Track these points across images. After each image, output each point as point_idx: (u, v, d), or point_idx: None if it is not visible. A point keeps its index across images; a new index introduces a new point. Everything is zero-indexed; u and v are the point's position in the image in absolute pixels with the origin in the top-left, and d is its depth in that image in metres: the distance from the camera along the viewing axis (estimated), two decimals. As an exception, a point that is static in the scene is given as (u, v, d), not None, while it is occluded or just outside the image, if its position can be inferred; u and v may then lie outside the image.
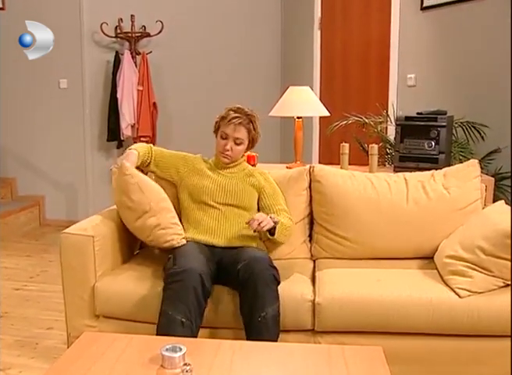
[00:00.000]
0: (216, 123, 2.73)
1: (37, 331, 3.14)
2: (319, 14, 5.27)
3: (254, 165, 3.37)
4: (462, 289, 2.27)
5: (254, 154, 3.39)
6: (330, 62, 5.19)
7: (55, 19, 5.21)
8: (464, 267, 2.32)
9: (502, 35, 3.60)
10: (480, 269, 2.29)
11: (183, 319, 2.14)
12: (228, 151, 2.66)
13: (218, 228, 2.59)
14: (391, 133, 4.15)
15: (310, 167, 2.88)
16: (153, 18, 5.25)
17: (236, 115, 2.65)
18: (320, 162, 4.68)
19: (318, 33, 5.29)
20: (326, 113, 3.44)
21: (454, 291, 2.28)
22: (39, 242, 5.02)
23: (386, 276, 2.47)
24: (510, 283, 2.29)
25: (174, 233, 2.50)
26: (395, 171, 3.20)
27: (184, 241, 2.51)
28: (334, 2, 5.15)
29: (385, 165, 3.73)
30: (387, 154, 3.76)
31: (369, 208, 2.72)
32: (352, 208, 2.73)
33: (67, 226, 2.61)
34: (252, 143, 2.74)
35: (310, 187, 2.85)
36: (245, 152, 2.79)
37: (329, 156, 4.53)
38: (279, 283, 2.32)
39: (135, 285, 2.41)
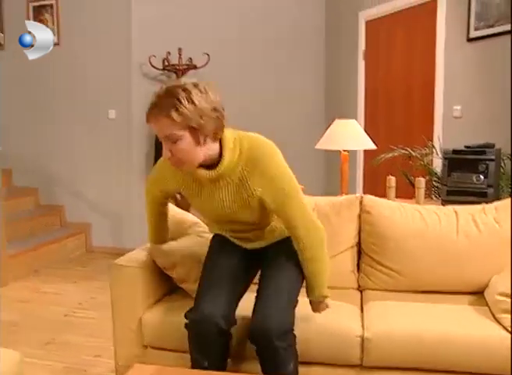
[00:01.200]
0: None
1: (85, 358, 3.17)
2: (363, 46, 5.32)
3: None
4: (515, 328, 2.22)
5: (301, 186, 3.40)
6: (374, 93, 5.22)
7: (105, 51, 5.43)
8: (516, 305, 2.27)
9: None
10: (534, 308, 2.23)
11: (206, 364, 2.10)
12: (170, 158, 1.95)
13: (242, 240, 2.31)
14: (437, 165, 4.12)
15: (360, 197, 2.88)
16: (199, 50, 5.38)
17: (153, 103, 1.89)
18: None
19: (363, 63, 5.33)
20: (373, 147, 3.45)
21: (507, 330, 2.23)
22: (86, 269, 5.12)
23: (436, 312, 2.43)
24: None
25: None
26: (443, 205, 3.17)
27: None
28: (378, 33, 5.19)
29: (432, 198, 3.69)
30: (434, 187, 3.73)
31: (418, 240, 2.69)
32: (400, 240, 2.71)
33: (113, 254, 2.66)
34: (198, 129, 1.90)
35: (359, 216, 2.84)
36: (200, 143, 1.93)
37: (373, 188, 4.51)
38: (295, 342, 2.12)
39: (182, 316, 2.42)
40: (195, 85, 1.90)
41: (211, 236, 2.49)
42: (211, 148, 1.98)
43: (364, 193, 4.87)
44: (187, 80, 1.93)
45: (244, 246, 2.33)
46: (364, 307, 2.55)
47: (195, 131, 1.89)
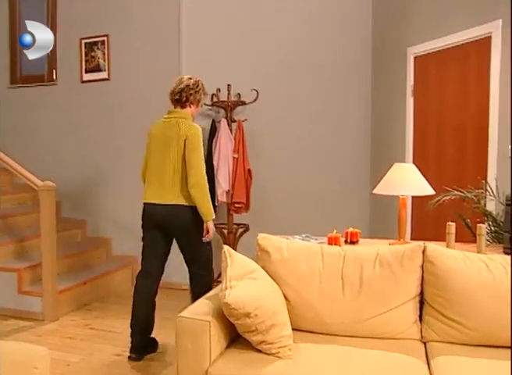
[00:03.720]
0: (200, 96, 3.72)
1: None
2: (412, 81, 5.28)
3: (357, 241, 3.37)
4: None
5: (357, 230, 3.38)
6: (424, 131, 5.13)
7: (156, 87, 5.52)
8: None
9: None
10: None
11: None
12: None
13: None
14: (492, 208, 4.03)
15: (423, 246, 2.83)
16: (248, 86, 5.43)
17: None
18: (412, 239, 4.56)
19: (411, 100, 5.28)
20: (432, 192, 3.39)
21: None
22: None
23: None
24: None
25: (280, 347, 2.48)
26: (505, 252, 3.10)
27: (291, 353, 2.48)
28: (428, 70, 5.14)
29: (488, 242, 3.59)
30: (491, 232, 3.63)
31: (485, 292, 2.63)
32: (467, 292, 2.66)
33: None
34: None
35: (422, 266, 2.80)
36: None
37: (422, 232, 4.38)
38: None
39: (248, 369, 2.39)
40: None
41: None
42: None
43: (413, 237, 4.80)
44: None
45: None
46: (432, 362, 2.50)
47: None
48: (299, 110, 5.76)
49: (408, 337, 2.75)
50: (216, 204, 5.30)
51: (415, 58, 5.29)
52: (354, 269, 2.82)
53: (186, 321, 2.49)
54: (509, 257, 2.79)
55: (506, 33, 4.27)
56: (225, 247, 2.72)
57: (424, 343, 2.75)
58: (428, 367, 2.47)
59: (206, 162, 5.33)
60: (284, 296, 2.80)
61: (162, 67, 5.55)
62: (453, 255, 2.79)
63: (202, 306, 2.61)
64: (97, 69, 5.77)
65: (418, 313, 2.81)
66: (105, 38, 5.77)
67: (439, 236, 3.47)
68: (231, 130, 5.37)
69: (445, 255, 2.77)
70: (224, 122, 5.30)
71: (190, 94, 3.67)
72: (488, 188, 3.79)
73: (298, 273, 2.85)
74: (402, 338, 2.75)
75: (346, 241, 3.38)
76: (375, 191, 3.45)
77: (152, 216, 3.76)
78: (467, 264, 2.72)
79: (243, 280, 2.54)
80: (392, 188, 3.35)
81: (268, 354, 2.48)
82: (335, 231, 3.28)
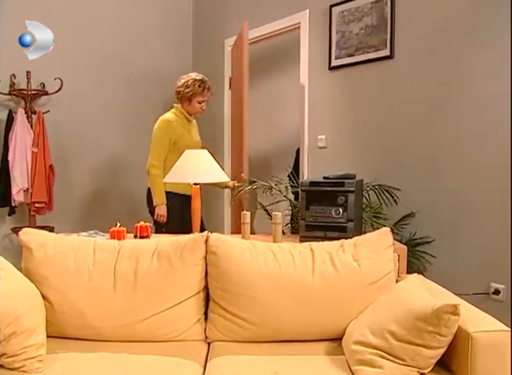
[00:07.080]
0: (187, 93, 3.83)
1: None
2: (230, 72, 5.14)
3: (148, 236, 3.03)
4: (371, 382, 1.95)
5: (147, 224, 3.05)
6: (240, 123, 4.99)
7: None
8: (373, 355, 2.00)
9: (408, 96, 3.51)
10: (391, 358, 1.96)
11: None
12: (203, 111, 3.96)
13: None
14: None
15: (206, 236, 2.55)
16: (52, 75, 4.90)
17: (208, 84, 3.91)
18: (233, 232, 4.36)
19: (229, 92, 5.13)
20: (226, 179, 3.14)
21: (363, 385, 1.96)
22: None
23: (287, 367, 2.11)
24: (424, 372, 2.00)
25: (26, 359, 2.06)
26: (301, 241, 2.91)
27: (41, 365, 2.07)
28: (244, 62, 5.01)
29: (292, 233, 3.43)
30: (296, 221, 3.49)
31: (270, 283, 2.39)
32: (251, 285, 2.40)
33: None
34: None
35: (205, 258, 2.51)
36: None
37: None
38: None
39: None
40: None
41: None
42: None
43: (233, 230, 4.60)
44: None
45: None
46: (208, 364, 2.21)
47: None
48: (109, 102, 5.35)
49: (191, 338, 2.44)
50: (14, 204, 4.71)
51: (232, 49, 5.14)
52: (129, 264, 2.46)
53: None
54: (299, 244, 2.61)
55: (319, 22, 4.22)
56: None
57: (209, 343, 2.46)
58: (204, 370, 2.18)
59: (1, 157, 4.78)
60: (46, 298, 2.38)
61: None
62: (238, 244, 2.52)
63: None
64: None
65: (203, 311, 2.52)
66: None
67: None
68: (31, 122, 4.79)
69: (228, 244, 2.49)
70: (21, 112, 4.70)
71: (177, 92, 3.94)
72: (292, 177, 3.66)
73: (64, 272, 2.43)
74: (183, 340, 2.43)
75: (135, 236, 3.03)
76: (165, 180, 3.15)
77: None
78: (253, 254, 2.47)
79: (-20, 281, 2.09)
80: (183, 176, 3.03)
81: (12, 369, 2.05)
82: (118, 224, 2.91)
